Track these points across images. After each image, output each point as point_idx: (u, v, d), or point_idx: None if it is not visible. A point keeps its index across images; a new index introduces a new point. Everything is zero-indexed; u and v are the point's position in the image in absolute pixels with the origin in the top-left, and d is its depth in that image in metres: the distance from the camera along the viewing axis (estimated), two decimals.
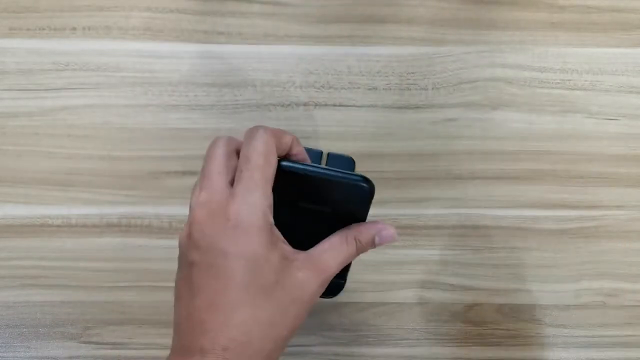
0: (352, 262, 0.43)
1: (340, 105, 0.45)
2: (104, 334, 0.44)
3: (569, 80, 0.45)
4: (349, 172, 0.33)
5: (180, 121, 0.45)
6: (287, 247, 0.30)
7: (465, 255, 0.45)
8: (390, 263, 0.45)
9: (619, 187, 0.45)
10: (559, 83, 0.45)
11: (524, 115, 0.45)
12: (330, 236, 0.32)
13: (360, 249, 0.33)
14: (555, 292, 0.45)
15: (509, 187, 0.45)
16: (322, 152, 0.43)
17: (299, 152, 0.33)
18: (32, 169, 0.44)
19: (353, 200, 0.34)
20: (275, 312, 0.29)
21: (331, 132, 0.44)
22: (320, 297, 0.35)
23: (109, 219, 0.44)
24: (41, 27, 0.44)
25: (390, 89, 0.45)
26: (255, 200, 0.28)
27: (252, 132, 0.30)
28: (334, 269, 0.31)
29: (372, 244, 0.33)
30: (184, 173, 0.45)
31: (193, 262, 0.29)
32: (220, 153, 0.30)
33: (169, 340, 0.45)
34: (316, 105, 0.45)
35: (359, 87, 0.45)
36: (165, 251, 0.44)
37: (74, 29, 0.44)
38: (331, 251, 0.31)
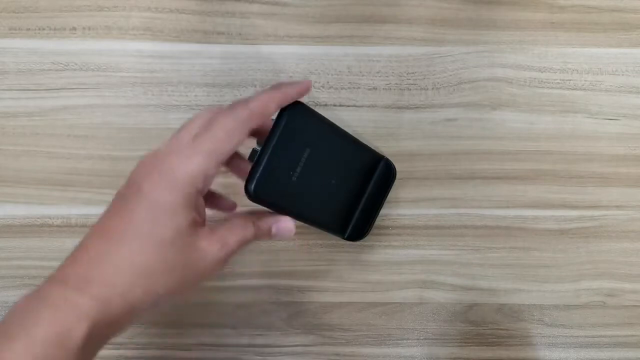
0: (355, 263, 0.43)
1: (340, 105, 0.45)
2: None
3: (569, 80, 0.45)
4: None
5: (180, 121, 0.44)
6: (200, 219, 0.31)
7: (465, 255, 0.45)
8: (390, 263, 0.45)
9: (619, 187, 0.45)
10: (559, 83, 0.45)
11: (524, 115, 0.45)
12: (235, 216, 0.34)
13: (259, 235, 0.33)
14: (555, 292, 0.45)
15: (509, 187, 0.45)
16: None
17: (292, 94, 0.34)
18: (32, 169, 0.44)
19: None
20: (158, 267, 0.29)
21: None
22: (347, 239, 0.41)
23: None
24: (41, 27, 0.44)
25: (390, 89, 0.45)
26: (193, 163, 0.30)
27: (233, 106, 0.32)
28: (232, 246, 0.32)
29: (269, 234, 0.34)
30: None
31: (118, 192, 0.31)
32: (203, 115, 0.32)
33: (169, 340, 0.45)
34: (316, 105, 0.45)
35: (359, 87, 0.45)
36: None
37: (74, 29, 0.44)
38: (233, 230, 0.32)
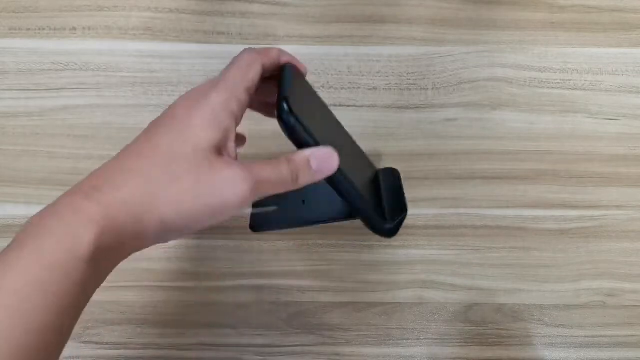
0: (355, 263, 0.43)
1: (340, 105, 0.45)
2: (104, 334, 0.44)
3: (569, 80, 0.45)
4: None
5: None
6: (227, 150, 0.29)
7: (465, 255, 0.45)
8: (390, 263, 0.45)
9: (619, 187, 0.45)
10: (559, 83, 0.45)
11: (524, 115, 0.45)
12: (277, 160, 0.31)
13: (296, 171, 0.30)
14: (555, 292, 0.45)
15: (509, 187, 0.45)
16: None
17: (288, 59, 0.34)
18: (32, 169, 0.44)
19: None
20: (164, 177, 0.27)
21: None
22: (381, 233, 0.35)
23: None
24: (41, 27, 0.44)
25: (390, 89, 0.45)
26: (225, 90, 0.29)
27: (240, 53, 0.32)
28: (260, 180, 0.29)
29: (308, 167, 0.31)
30: None
31: (159, 116, 0.30)
32: (246, 59, 0.32)
33: (169, 340, 0.45)
34: None
35: (359, 87, 0.45)
36: (165, 251, 0.44)
37: (74, 29, 0.44)
38: (265, 165, 0.30)
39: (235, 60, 0.31)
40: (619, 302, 0.45)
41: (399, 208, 0.38)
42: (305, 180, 0.31)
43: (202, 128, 0.28)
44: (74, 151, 0.44)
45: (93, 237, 0.25)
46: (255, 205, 0.37)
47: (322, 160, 0.31)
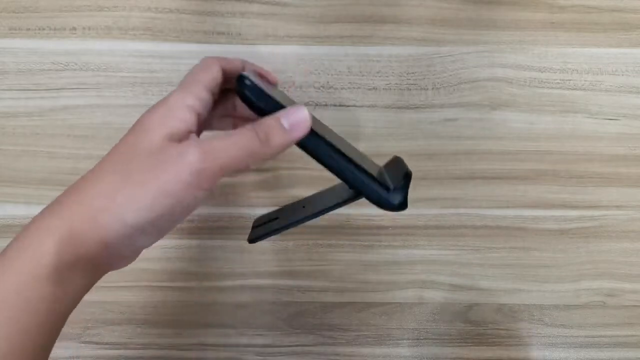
0: (355, 263, 0.43)
1: (340, 105, 0.45)
2: (104, 334, 0.44)
3: (569, 80, 0.45)
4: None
5: None
6: (185, 130, 0.28)
7: (465, 255, 0.45)
8: (390, 263, 0.45)
9: (619, 187, 0.45)
10: (559, 83, 0.45)
11: (524, 115, 0.45)
12: (240, 129, 0.30)
13: (266, 138, 0.29)
14: (555, 292, 0.45)
15: (509, 187, 0.45)
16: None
17: (254, 68, 0.34)
18: (32, 169, 0.44)
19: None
20: (120, 177, 0.27)
21: None
22: (389, 206, 0.32)
23: None
24: (41, 27, 0.44)
25: (390, 89, 0.45)
26: (177, 96, 0.29)
27: (197, 66, 0.32)
28: (221, 156, 0.28)
29: (279, 125, 0.29)
30: None
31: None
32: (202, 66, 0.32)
33: (169, 340, 0.45)
34: (316, 105, 0.45)
35: (359, 87, 0.45)
36: (165, 251, 0.44)
37: (74, 29, 0.44)
38: (226, 138, 0.28)
39: (194, 66, 0.32)
40: (619, 302, 0.45)
41: (402, 174, 0.34)
42: (278, 140, 0.29)
43: (158, 123, 0.28)
44: (74, 151, 0.44)
45: (52, 247, 0.25)
46: (256, 225, 0.36)
47: (294, 116, 0.29)
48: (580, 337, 0.45)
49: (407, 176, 0.34)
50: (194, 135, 0.29)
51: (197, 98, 0.30)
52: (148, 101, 0.45)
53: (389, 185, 0.32)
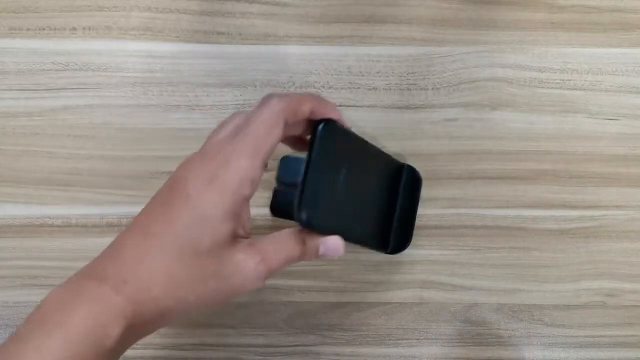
0: (355, 263, 0.43)
1: (340, 106, 0.45)
2: None
3: (569, 80, 0.45)
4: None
5: (180, 121, 0.45)
6: (242, 230, 0.30)
7: (465, 255, 0.45)
8: (390, 263, 0.45)
9: (619, 187, 0.45)
10: (559, 83, 0.45)
11: (524, 115, 0.45)
12: (281, 231, 0.32)
13: (305, 254, 0.32)
14: (555, 292, 0.45)
15: (509, 187, 0.45)
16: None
17: (325, 112, 0.33)
18: (32, 169, 0.44)
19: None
20: (193, 276, 0.28)
21: None
22: (390, 253, 0.42)
23: (109, 218, 0.44)
24: (41, 27, 0.44)
25: (390, 89, 0.45)
26: (240, 168, 0.29)
27: (265, 99, 0.31)
28: (273, 264, 0.30)
29: (316, 253, 0.32)
30: None
31: (161, 189, 0.30)
32: (239, 115, 0.32)
33: (169, 340, 0.45)
34: None
35: (359, 87, 0.45)
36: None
37: (74, 29, 0.44)
38: (277, 246, 0.31)
39: (256, 116, 0.30)
40: (619, 302, 0.45)
41: (403, 241, 0.43)
42: (310, 258, 0.32)
43: (221, 220, 0.28)
44: (74, 151, 0.44)
45: (120, 331, 0.26)
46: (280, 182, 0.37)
47: (330, 249, 0.33)
48: (580, 337, 0.45)
49: (406, 245, 0.43)
50: (250, 241, 0.30)
51: (262, 172, 0.30)
52: (148, 101, 0.45)
53: (387, 248, 0.42)
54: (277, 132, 0.30)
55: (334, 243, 0.33)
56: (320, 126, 0.33)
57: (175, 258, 0.28)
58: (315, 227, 0.33)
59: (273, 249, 0.30)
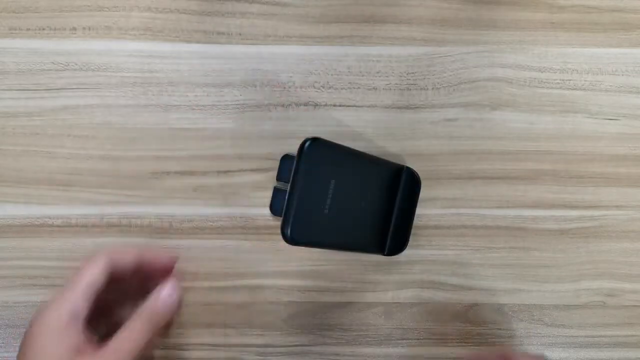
0: (355, 263, 0.43)
1: (340, 106, 0.45)
2: None
3: (569, 80, 0.45)
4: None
5: (180, 121, 0.45)
6: (83, 341, 0.33)
7: (465, 255, 0.45)
8: (390, 263, 0.45)
9: (619, 187, 0.45)
10: (559, 83, 0.45)
11: (524, 115, 0.45)
12: (128, 321, 0.35)
13: (154, 319, 0.35)
14: (555, 292, 0.45)
15: (509, 187, 0.45)
16: None
17: (150, 258, 0.38)
18: (32, 169, 0.44)
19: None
20: None
21: (331, 132, 0.44)
22: (388, 255, 0.43)
23: (109, 218, 0.44)
24: (41, 27, 0.44)
25: (390, 89, 0.45)
26: (55, 308, 0.33)
27: (85, 260, 0.36)
28: (131, 349, 0.33)
29: (159, 310, 0.35)
30: (184, 173, 0.45)
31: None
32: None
33: (169, 340, 0.45)
34: (316, 105, 0.45)
35: (359, 87, 0.45)
36: (165, 251, 0.44)
37: (74, 29, 0.44)
38: (123, 337, 0.34)
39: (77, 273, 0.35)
40: (619, 302, 0.45)
41: (400, 243, 0.43)
42: (163, 322, 0.35)
43: (54, 348, 0.32)
44: (74, 151, 0.44)
45: None
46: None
47: (162, 300, 0.36)
48: (580, 337, 0.45)
49: (403, 249, 0.44)
50: (99, 347, 0.33)
51: (88, 297, 0.34)
52: (148, 101, 0.45)
53: (384, 250, 0.43)
54: (97, 273, 0.35)
55: (164, 292, 0.36)
56: (307, 144, 0.35)
57: None
58: (301, 243, 0.35)
59: (125, 341, 0.33)
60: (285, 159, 0.42)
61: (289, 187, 0.36)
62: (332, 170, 0.36)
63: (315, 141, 0.35)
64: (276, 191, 0.43)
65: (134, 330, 0.34)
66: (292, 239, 0.35)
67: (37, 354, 0.32)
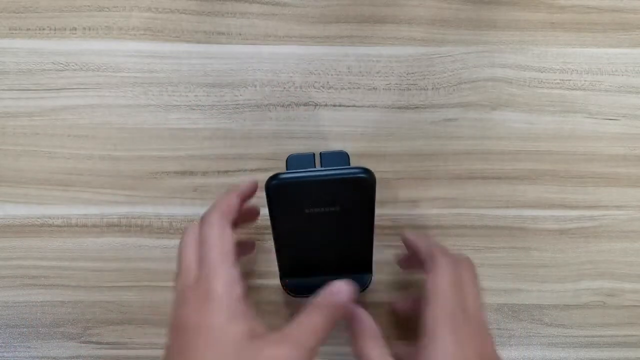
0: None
1: (340, 106, 0.45)
2: (104, 334, 0.44)
3: (569, 80, 0.45)
4: (347, 167, 0.34)
5: (180, 121, 0.45)
6: (257, 324, 0.31)
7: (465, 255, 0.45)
8: (390, 263, 0.45)
9: (619, 187, 0.45)
10: (558, 83, 0.45)
11: (523, 115, 0.45)
12: (303, 309, 0.32)
13: (330, 314, 0.31)
14: (555, 292, 0.45)
15: (509, 187, 0.45)
16: (313, 154, 0.38)
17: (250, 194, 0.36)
18: (32, 169, 0.44)
19: (357, 194, 0.34)
20: None
21: (331, 132, 0.44)
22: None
23: (109, 218, 0.44)
24: (41, 27, 0.44)
25: (390, 89, 0.45)
26: (218, 277, 0.30)
27: (203, 219, 0.33)
28: (309, 343, 0.30)
29: (335, 304, 0.32)
30: (184, 173, 0.45)
31: (169, 344, 0.31)
32: (189, 237, 0.33)
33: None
34: (316, 105, 0.45)
35: (359, 87, 0.45)
36: (165, 251, 0.44)
37: (74, 29, 0.44)
38: (303, 324, 0.30)
39: (204, 238, 0.32)
40: (619, 302, 0.45)
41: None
42: (341, 312, 0.32)
43: (232, 327, 0.29)
44: (74, 151, 0.44)
45: None
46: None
47: (336, 294, 0.32)
48: (580, 337, 0.45)
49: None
50: (275, 333, 0.30)
51: (236, 267, 0.31)
52: (148, 101, 0.45)
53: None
54: (227, 234, 0.32)
55: (336, 289, 0.32)
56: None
57: None
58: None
59: (300, 329, 0.30)
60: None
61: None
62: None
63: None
64: None
65: (315, 323, 0.30)
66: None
67: (207, 343, 0.29)
